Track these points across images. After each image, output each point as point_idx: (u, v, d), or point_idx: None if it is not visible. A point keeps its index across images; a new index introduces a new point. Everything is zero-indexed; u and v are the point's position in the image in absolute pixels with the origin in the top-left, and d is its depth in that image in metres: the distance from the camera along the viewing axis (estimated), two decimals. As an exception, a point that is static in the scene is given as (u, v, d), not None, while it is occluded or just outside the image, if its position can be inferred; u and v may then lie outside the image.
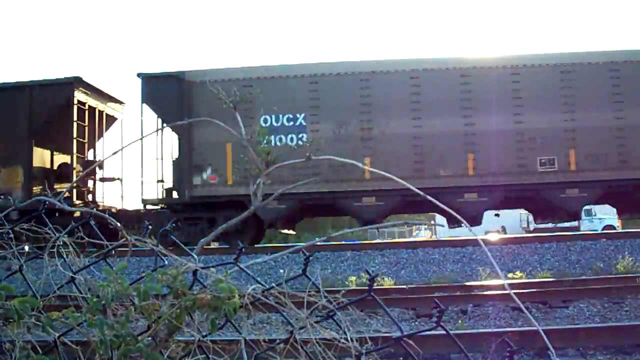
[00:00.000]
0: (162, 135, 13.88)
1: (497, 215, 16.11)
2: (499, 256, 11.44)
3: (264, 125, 12.66)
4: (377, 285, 9.15)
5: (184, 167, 13.38)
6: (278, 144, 12.78)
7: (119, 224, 1.85)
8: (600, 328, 5.34)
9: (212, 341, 1.60)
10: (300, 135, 12.95)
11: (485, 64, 13.25)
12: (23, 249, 1.93)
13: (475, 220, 12.87)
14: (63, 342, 1.67)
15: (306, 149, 1.95)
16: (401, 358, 4.56)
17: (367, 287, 1.50)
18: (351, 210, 13.27)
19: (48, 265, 1.79)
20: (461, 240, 13.21)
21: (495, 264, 1.52)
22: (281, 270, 10.98)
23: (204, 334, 1.57)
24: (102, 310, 1.52)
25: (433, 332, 1.55)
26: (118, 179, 15.20)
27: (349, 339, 1.47)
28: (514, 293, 1.40)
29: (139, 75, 13.70)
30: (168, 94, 13.38)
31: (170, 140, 14.32)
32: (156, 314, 1.51)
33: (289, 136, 12.97)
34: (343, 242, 14.03)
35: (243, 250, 1.67)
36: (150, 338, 1.53)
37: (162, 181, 13.75)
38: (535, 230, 27.05)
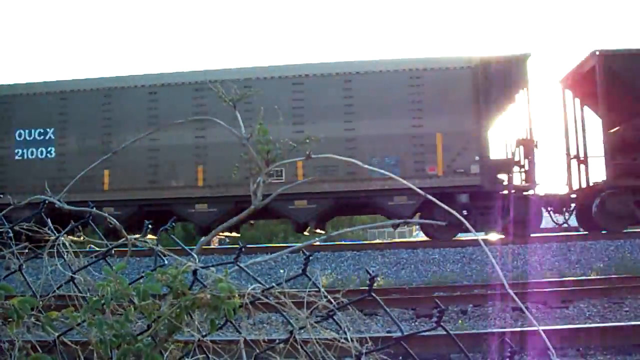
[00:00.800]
0: None
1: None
2: (499, 256, 11.44)
3: (18, 139, 13.73)
4: (377, 285, 9.14)
5: None
6: (30, 156, 13.69)
7: (118, 224, 1.85)
8: (600, 328, 5.34)
9: (212, 341, 1.59)
10: (49, 149, 13.76)
11: (218, 77, 13.34)
12: (23, 248, 1.93)
13: (204, 231, 13.17)
14: (63, 342, 1.67)
15: (306, 148, 1.95)
16: (401, 358, 4.56)
17: (367, 287, 1.50)
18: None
19: (47, 265, 1.79)
20: (461, 240, 13.22)
21: (496, 264, 1.51)
22: (281, 270, 10.98)
23: (204, 333, 1.57)
24: (101, 310, 1.51)
25: (433, 332, 1.54)
26: None
27: (349, 339, 1.46)
28: (514, 293, 1.40)
29: None
30: None
31: None
32: (156, 314, 1.51)
33: (39, 149, 13.74)
34: (343, 242, 14.04)
35: (243, 249, 1.67)
36: (150, 338, 1.53)
37: None
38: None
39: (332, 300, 1.53)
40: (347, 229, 2.22)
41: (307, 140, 1.94)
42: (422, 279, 10.70)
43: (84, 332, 1.57)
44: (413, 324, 6.85)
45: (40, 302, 1.63)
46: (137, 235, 1.85)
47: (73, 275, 1.74)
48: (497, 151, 14.05)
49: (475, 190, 12.93)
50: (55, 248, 1.82)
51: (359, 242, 16.05)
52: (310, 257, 1.56)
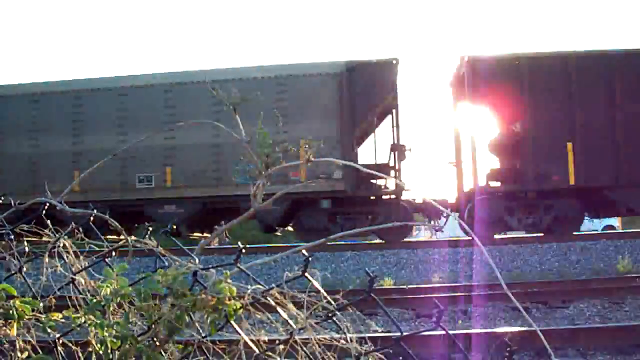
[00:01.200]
0: None
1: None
2: (499, 256, 11.44)
3: None
4: (377, 285, 9.15)
5: None
6: None
7: (119, 225, 1.86)
8: (600, 328, 5.35)
9: (212, 342, 1.60)
10: None
11: (94, 86, 14.19)
12: (23, 249, 1.93)
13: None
14: (63, 342, 1.67)
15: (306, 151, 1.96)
16: (401, 358, 4.56)
17: (367, 288, 1.51)
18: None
19: (48, 266, 1.79)
20: (461, 240, 13.22)
21: (494, 264, 1.52)
22: (281, 270, 10.97)
23: (204, 334, 1.57)
24: (102, 311, 1.52)
25: (433, 332, 1.55)
26: None
27: (348, 339, 1.47)
28: (512, 293, 1.41)
29: None
30: None
31: None
32: (156, 315, 1.52)
33: None
34: (343, 242, 14.03)
35: (243, 250, 1.67)
36: (150, 339, 1.53)
37: None
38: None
39: (332, 301, 1.54)
40: (347, 232, 2.23)
41: (307, 145, 1.94)
42: (422, 278, 10.71)
43: (84, 333, 1.58)
44: (413, 323, 6.86)
45: (41, 304, 1.64)
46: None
47: (73, 277, 1.75)
48: (369, 156, 14.27)
49: (338, 195, 13.00)
50: (55, 249, 1.82)
51: (359, 242, 16.04)
52: (310, 258, 1.57)
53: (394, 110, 13.73)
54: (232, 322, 1.53)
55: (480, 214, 12.80)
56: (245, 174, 13.11)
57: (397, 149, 13.65)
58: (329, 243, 12.57)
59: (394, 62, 13.46)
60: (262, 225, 13.95)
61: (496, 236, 13.92)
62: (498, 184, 13.69)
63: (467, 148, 13.50)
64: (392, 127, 13.78)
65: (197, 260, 1.62)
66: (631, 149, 12.63)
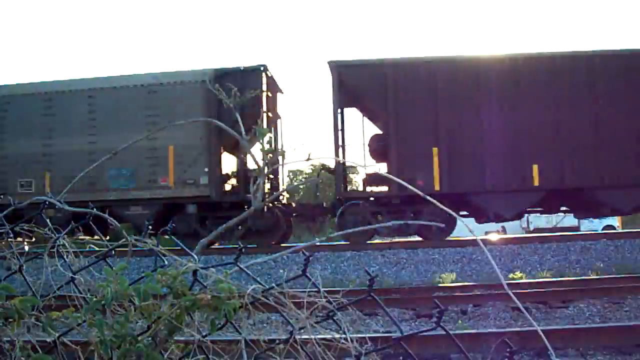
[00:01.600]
0: None
1: None
2: (499, 256, 11.44)
3: None
4: (377, 285, 9.15)
5: None
6: None
7: (118, 225, 1.86)
8: (600, 328, 5.35)
9: (212, 341, 1.60)
10: None
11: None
12: (23, 248, 1.93)
13: None
14: (63, 342, 1.67)
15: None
16: (401, 358, 4.56)
17: (367, 288, 1.50)
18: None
19: (48, 265, 1.79)
20: (461, 240, 13.22)
21: (495, 264, 1.52)
22: (281, 271, 10.98)
23: (204, 334, 1.57)
24: (102, 311, 1.52)
25: (433, 332, 1.55)
26: None
27: (348, 339, 1.47)
28: (514, 293, 1.40)
29: None
30: None
31: None
32: (156, 314, 1.51)
33: None
34: (343, 242, 14.04)
35: (243, 250, 1.67)
36: (150, 338, 1.53)
37: None
38: (535, 230, 27.07)
39: (332, 301, 1.54)
40: (347, 231, 2.22)
41: (295, 148, 1.95)
42: (422, 279, 10.71)
43: (84, 333, 1.58)
44: (413, 324, 6.86)
45: (41, 303, 1.64)
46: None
47: (73, 276, 1.75)
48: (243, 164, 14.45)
49: (204, 200, 13.26)
50: (55, 248, 1.82)
51: (359, 242, 16.02)
52: (310, 258, 1.56)
53: (264, 116, 13.78)
54: (231, 321, 1.53)
55: (348, 219, 12.89)
56: (119, 179, 13.50)
57: (268, 154, 13.79)
58: (328, 243, 12.65)
59: (262, 68, 13.69)
60: (135, 227, 14.16)
61: (496, 237, 13.92)
62: (382, 188, 13.70)
63: (340, 153, 13.57)
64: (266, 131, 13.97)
65: (197, 260, 1.62)
66: (494, 154, 12.64)
